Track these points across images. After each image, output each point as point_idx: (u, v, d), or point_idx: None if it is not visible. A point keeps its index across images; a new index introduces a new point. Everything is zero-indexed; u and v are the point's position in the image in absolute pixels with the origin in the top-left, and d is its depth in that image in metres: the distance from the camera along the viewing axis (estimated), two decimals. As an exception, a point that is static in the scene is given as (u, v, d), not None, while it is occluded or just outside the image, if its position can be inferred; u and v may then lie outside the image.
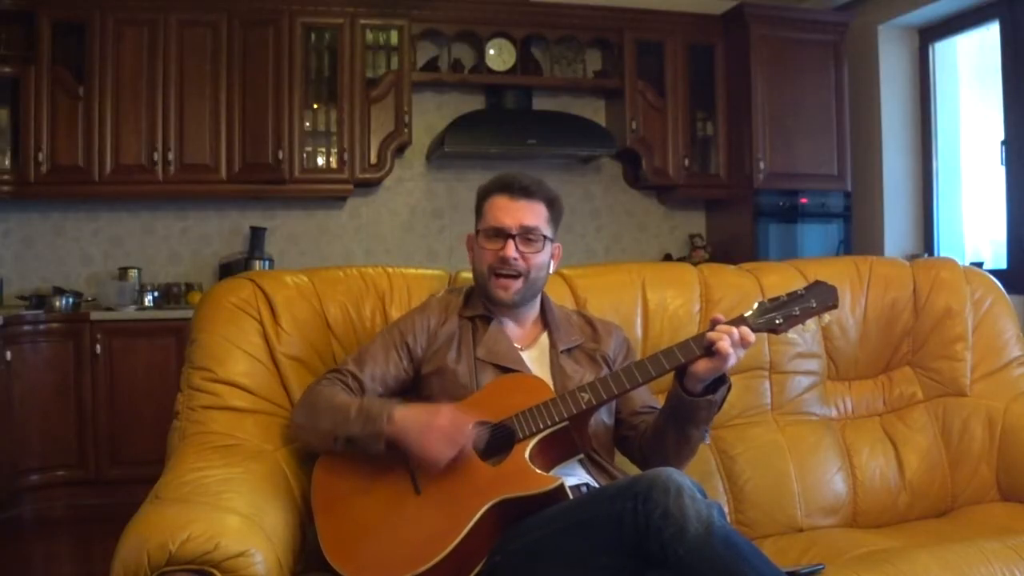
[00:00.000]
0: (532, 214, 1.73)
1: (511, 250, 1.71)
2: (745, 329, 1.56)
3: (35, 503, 3.90)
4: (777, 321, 1.60)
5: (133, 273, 4.37)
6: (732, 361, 1.54)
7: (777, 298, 1.63)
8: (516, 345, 1.76)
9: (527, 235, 1.72)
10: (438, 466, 1.53)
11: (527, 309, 1.80)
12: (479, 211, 1.79)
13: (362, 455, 1.59)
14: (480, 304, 1.78)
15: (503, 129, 4.71)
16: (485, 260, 1.75)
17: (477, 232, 1.78)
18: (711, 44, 4.96)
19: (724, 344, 1.53)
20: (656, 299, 2.12)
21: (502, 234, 1.72)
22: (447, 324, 1.77)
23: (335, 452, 1.61)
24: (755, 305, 1.62)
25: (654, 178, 4.91)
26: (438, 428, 1.52)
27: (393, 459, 1.58)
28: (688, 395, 1.59)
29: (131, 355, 4.02)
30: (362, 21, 4.52)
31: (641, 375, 1.59)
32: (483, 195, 1.79)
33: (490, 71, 4.74)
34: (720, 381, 1.61)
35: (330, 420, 1.60)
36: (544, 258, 1.76)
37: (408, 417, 1.56)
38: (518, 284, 1.73)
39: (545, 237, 1.74)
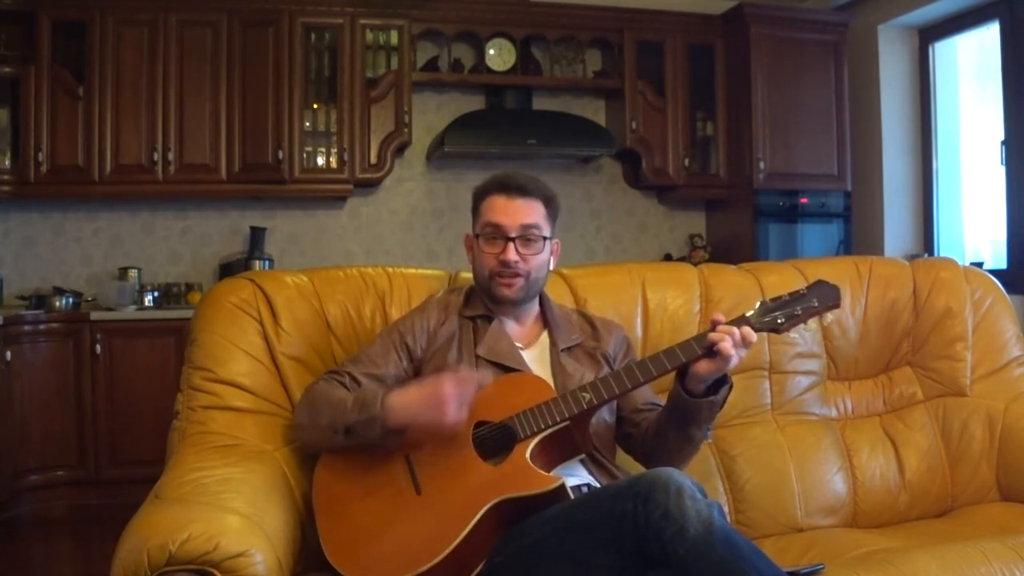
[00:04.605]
0: (530, 213, 1.73)
1: (511, 253, 1.70)
2: (747, 329, 1.55)
3: (35, 503, 3.90)
4: (779, 320, 1.59)
5: (133, 273, 4.37)
6: (734, 361, 1.54)
7: (779, 297, 1.63)
8: (517, 344, 1.76)
9: (526, 235, 1.71)
10: (455, 430, 1.51)
11: (528, 308, 1.80)
12: (476, 211, 1.78)
13: (363, 451, 1.59)
14: (480, 304, 1.78)
15: (503, 129, 4.71)
16: (486, 264, 1.74)
17: (476, 234, 1.77)
18: (711, 44, 4.96)
19: (726, 345, 1.52)
20: (656, 299, 2.12)
21: (501, 235, 1.71)
22: (447, 324, 1.76)
23: (338, 447, 1.60)
24: (757, 304, 1.62)
25: (654, 178, 4.91)
26: (441, 393, 1.50)
27: (393, 459, 1.59)
28: (689, 396, 1.59)
29: (131, 355, 4.02)
30: (362, 21, 4.52)
31: (642, 374, 1.59)
32: (480, 195, 1.78)
33: (490, 71, 4.74)
34: (722, 381, 1.61)
35: (329, 414, 1.59)
36: (544, 257, 1.76)
37: (405, 396, 1.54)
38: (520, 281, 1.73)
39: (544, 237, 1.74)
